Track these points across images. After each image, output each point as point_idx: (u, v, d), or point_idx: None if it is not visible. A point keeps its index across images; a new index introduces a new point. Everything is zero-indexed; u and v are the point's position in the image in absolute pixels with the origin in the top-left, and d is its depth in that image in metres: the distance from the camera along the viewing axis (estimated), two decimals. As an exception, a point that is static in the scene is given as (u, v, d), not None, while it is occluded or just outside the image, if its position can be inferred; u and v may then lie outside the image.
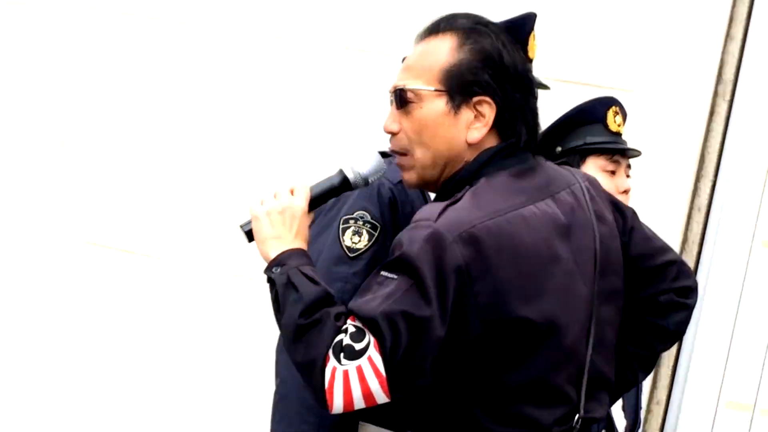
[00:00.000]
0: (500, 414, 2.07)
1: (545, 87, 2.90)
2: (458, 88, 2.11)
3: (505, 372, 2.05)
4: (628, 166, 3.17)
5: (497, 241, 2.00)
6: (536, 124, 2.20)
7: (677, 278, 2.43)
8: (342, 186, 2.27)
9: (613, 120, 3.13)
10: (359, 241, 2.43)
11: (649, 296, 2.41)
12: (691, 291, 2.46)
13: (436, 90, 2.12)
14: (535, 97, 2.19)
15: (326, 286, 2.07)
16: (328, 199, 2.29)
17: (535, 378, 2.07)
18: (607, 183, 3.01)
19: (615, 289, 2.28)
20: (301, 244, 2.16)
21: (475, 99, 2.12)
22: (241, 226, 2.24)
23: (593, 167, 3.08)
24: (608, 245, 2.25)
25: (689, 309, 2.46)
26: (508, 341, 2.03)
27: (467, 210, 2.03)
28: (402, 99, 2.16)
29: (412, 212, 2.23)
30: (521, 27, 2.72)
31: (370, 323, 1.97)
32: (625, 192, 3.11)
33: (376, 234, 2.36)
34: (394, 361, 1.96)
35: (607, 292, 2.23)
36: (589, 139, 3.09)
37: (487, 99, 2.12)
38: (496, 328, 2.01)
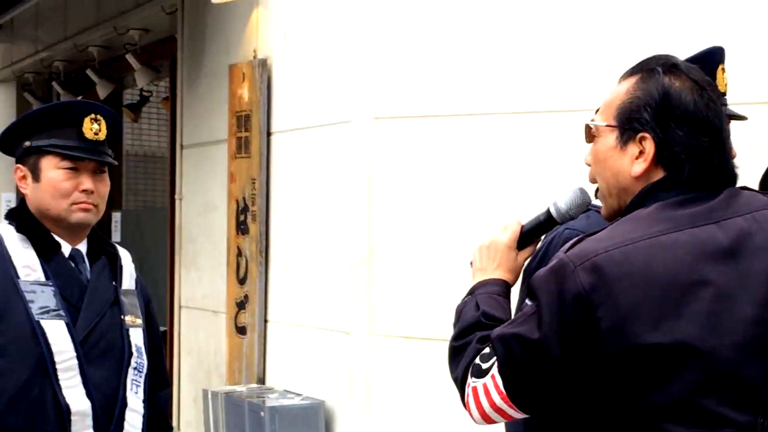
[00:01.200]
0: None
1: (741, 118, 2.92)
2: (626, 123, 2.24)
3: (644, 393, 2.11)
4: None
5: (620, 269, 2.09)
6: (714, 157, 2.23)
7: None
8: (547, 221, 2.48)
9: None
10: None
11: None
12: None
13: (608, 125, 2.27)
14: (719, 131, 2.24)
15: (489, 310, 2.31)
16: (539, 234, 2.50)
17: (679, 400, 2.11)
18: None
19: None
20: (501, 274, 2.42)
21: (639, 135, 2.23)
22: (470, 263, 2.52)
23: None
24: None
25: None
26: (640, 364, 2.09)
27: (598, 240, 2.14)
28: (587, 133, 2.35)
29: None
30: (707, 61, 2.75)
31: (492, 345, 2.19)
32: None
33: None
34: (510, 379, 2.15)
35: None
36: None
37: (648, 135, 2.22)
38: (625, 352, 2.08)
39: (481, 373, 2.21)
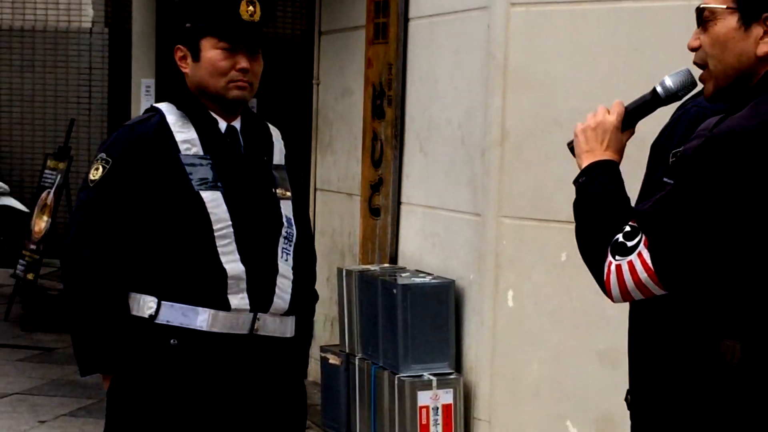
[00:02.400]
0: None
1: None
2: (748, 4, 2.26)
3: None
4: None
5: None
6: None
7: None
8: (653, 100, 2.51)
9: None
10: None
11: None
12: None
13: (728, 8, 2.28)
14: None
15: (616, 190, 2.36)
16: (642, 115, 2.53)
17: None
18: None
19: None
20: (610, 155, 2.46)
21: (765, 14, 2.25)
22: (568, 144, 2.58)
23: None
24: None
25: None
26: None
27: (743, 118, 2.20)
28: (700, 17, 2.34)
29: None
30: None
31: (640, 222, 2.25)
32: None
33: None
34: (660, 255, 2.21)
35: None
36: None
37: None
38: None
39: (625, 251, 2.26)
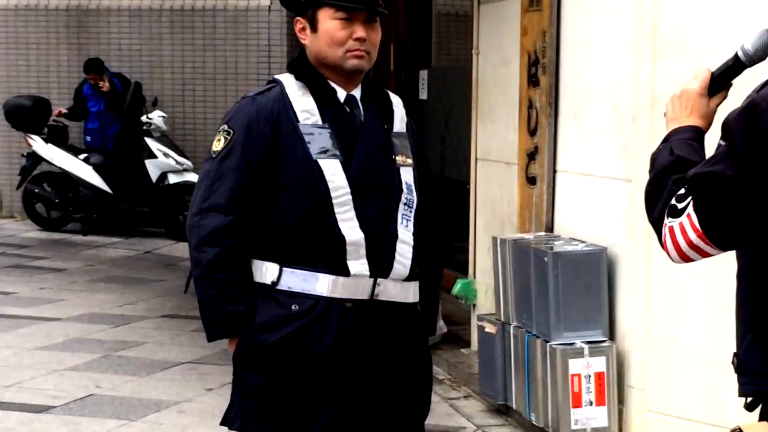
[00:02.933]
0: None
1: None
2: None
3: None
4: None
5: None
6: None
7: None
8: (736, 65, 2.52)
9: None
10: None
11: None
12: None
13: None
14: None
15: (683, 154, 2.38)
16: (728, 79, 2.55)
17: None
18: None
19: None
20: (694, 121, 2.50)
21: None
22: (664, 114, 2.63)
23: None
24: None
25: None
26: None
27: None
28: None
29: None
30: None
31: (689, 184, 2.28)
32: None
33: None
34: (706, 216, 2.25)
35: None
36: None
37: None
38: None
39: (676, 213, 2.30)
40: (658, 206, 2.37)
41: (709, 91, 2.52)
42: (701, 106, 2.50)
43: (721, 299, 5.06)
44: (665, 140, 2.49)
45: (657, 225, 2.37)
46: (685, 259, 2.34)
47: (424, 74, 9.86)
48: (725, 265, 4.96)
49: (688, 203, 2.27)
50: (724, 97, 2.54)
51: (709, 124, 2.52)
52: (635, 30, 5.37)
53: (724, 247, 2.29)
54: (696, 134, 2.47)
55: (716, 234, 2.25)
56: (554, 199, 6.15)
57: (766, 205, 2.19)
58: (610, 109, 5.62)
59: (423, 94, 9.76)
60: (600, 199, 5.74)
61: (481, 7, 7.30)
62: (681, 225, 2.28)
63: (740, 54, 2.50)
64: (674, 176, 2.36)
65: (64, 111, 12.75)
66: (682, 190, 2.30)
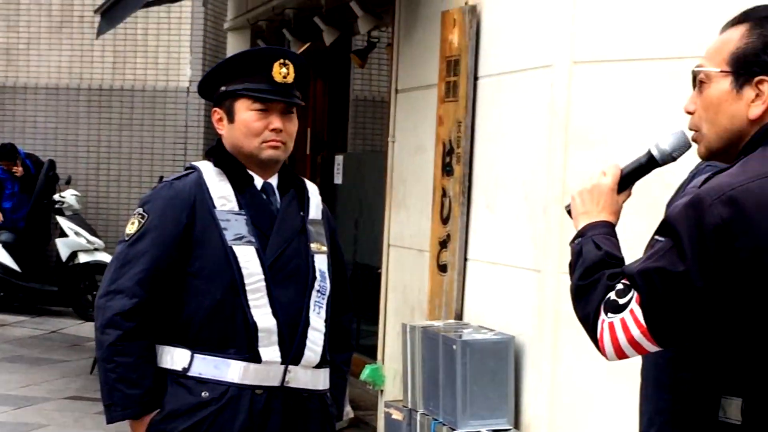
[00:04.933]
0: None
1: None
2: (741, 69, 2.32)
3: None
4: None
5: (759, 200, 2.19)
6: None
7: None
8: (648, 163, 2.53)
9: None
10: None
11: None
12: None
13: (722, 71, 2.34)
14: None
15: (610, 250, 2.38)
16: (638, 176, 2.55)
17: None
18: None
19: None
20: (606, 216, 2.48)
21: (757, 79, 2.31)
22: (565, 207, 2.63)
23: None
24: None
25: None
26: None
27: (731, 175, 2.24)
28: (695, 80, 2.41)
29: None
30: None
31: (632, 280, 2.26)
32: None
33: None
34: (652, 313, 2.23)
35: None
36: None
37: (767, 78, 2.30)
38: (761, 283, 2.19)
39: (617, 309, 2.27)
40: (592, 301, 2.34)
41: (618, 187, 2.54)
42: (612, 202, 2.51)
43: (626, 390, 5.15)
44: (581, 234, 2.48)
45: (591, 320, 2.34)
46: (621, 355, 2.31)
47: (339, 159, 9.93)
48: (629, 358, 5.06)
49: (631, 299, 2.26)
50: (629, 194, 2.57)
51: (618, 219, 2.54)
52: (548, 122, 5.49)
53: (665, 344, 2.28)
54: (612, 230, 2.48)
55: (661, 330, 2.25)
56: (464, 287, 6.21)
57: (713, 302, 2.21)
58: (522, 199, 5.72)
59: (338, 179, 9.83)
60: (509, 288, 5.81)
61: (398, 96, 7.41)
62: (623, 321, 2.27)
63: (655, 153, 2.53)
64: (607, 271, 2.34)
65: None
66: (621, 286, 2.29)
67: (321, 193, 3.68)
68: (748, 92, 2.31)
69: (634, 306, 2.25)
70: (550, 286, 5.38)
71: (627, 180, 2.54)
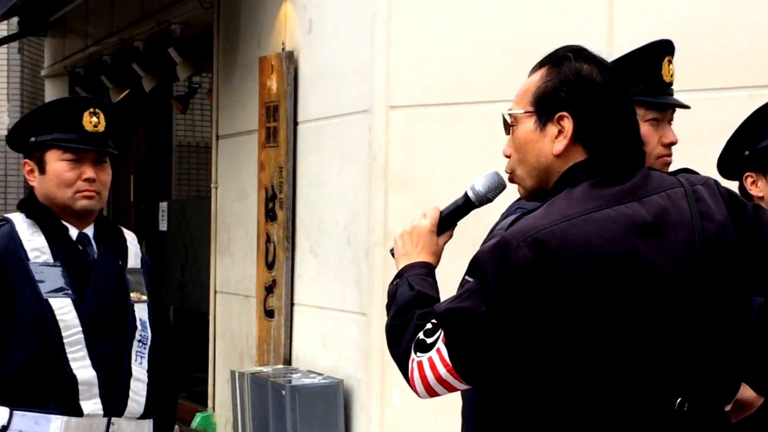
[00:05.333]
0: (594, 401, 2.27)
1: (685, 106, 3.09)
2: (543, 107, 2.37)
3: (583, 361, 2.26)
4: None
5: (562, 243, 2.23)
6: (628, 137, 2.40)
7: None
8: (465, 205, 2.56)
9: None
10: None
11: None
12: None
13: (526, 112, 2.40)
14: (629, 112, 2.41)
15: (423, 290, 2.41)
16: (457, 218, 2.57)
17: (619, 365, 2.26)
18: None
19: (727, 280, 2.40)
20: (425, 257, 2.51)
21: (557, 115, 2.35)
22: (390, 250, 2.63)
23: None
24: (715, 240, 2.38)
25: None
26: (581, 333, 2.24)
27: (536, 218, 2.28)
28: (505, 124, 2.47)
29: None
30: (651, 53, 3.05)
31: (438, 319, 2.29)
32: None
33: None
34: (456, 351, 2.26)
35: (715, 284, 2.36)
36: None
37: (565, 114, 2.35)
38: (568, 323, 2.23)
39: (425, 348, 2.30)
40: (403, 341, 2.37)
41: (438, 229, 2.57)
42: (431, 244, 2.54)
43: (454, 428, 5.23)
44: (399, 275, 2.51)
45: (403, 360, 2.37)
46: (432, 393, 2.34)
47: (164, 205, 9.83)
48: (455, 396, 5.14)
49: (438, 338, 2.29)
50: (450, 236, 2.60)
51: (438, 260, 2.57)
52: (368, 167, 5.57)
53: (472, 382, 2.32)
54: (430, 270, 2.51)
55: (466, 369, 2.28)
56: (292, 332, 6.23)
57: (517, 343, 2.25)
58: (345, 243, 5.77)
59: (163, 226, 9.72)
60: (336, 331, 5.84)
61: (219, 141, 7.41)
62: (430, 359, 2.29)
63: (470, 194, 2.55)
64: (418, 311, 2.38)
65: None
66: (429, 325, 2.32)
67: (146, 241, 3.66)
68: (552, 129, 2.36)
69: (441, 345, 2.28)
70: (376, 328, 5.43)
71: (446, 221, 2.57)
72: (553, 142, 2.36)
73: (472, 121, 5.26)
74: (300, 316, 6.20)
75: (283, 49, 6.42)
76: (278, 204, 6.32)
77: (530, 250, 2.22)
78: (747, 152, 3.21)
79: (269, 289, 6.37)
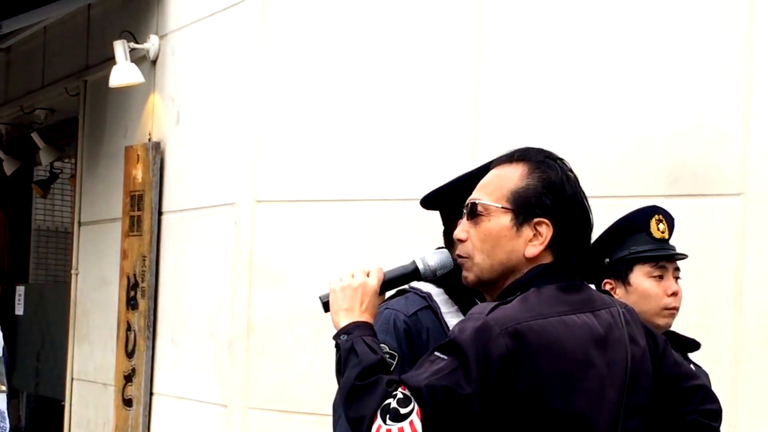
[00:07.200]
0: None
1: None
2: (522, 208, 2.42)
3: None
4: (677, 269, 3.36)
5: (539, 339, 2.31)
6: (588, 251, 2.51)
7: (704, 401, 2.72)
8: (413, 274, 2.61)
9: (656, 228, 3.33)
10: None
11: (677, 416, 2.69)
12: (717, 415, 2.75)
13: (503, 207, 2.44)
14: (590, 228, 2.51)
15: (383, 356, 2.41)
16: (400, 284, 2.62)
17: None
18: (655, 288, 3.28)
19: (642, 404, 2.53)
20: (368, 318, 2.50)
21: (536, 220, 2.42)
22: (320, 297, 2.60)
23: (640, 274, 3.29)
24: (639, 365, 2.51)
25: (714, 431, 2.75)
26: (544, 428, 2.33)
27: (516, 310, 2.34)
28: (473, 211, 2.48)
29: (428, 339, 2.70)
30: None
31: (416, 392, 2.30)
32: (674, 294, 3.31)
33: (395, 363, 2.55)
34: (433, 428, 2.28)
35: (634, 406, 2.49)
36: (634, 249, 3.31)
37: (546, 221, 2.42)
38: (532, 415, 2.32)
39: (398, 418, 2.29)
40: (369, 404, 2.34)
41: (380, 290, 2.58)
42: (375, 304, 2.55)
43: None
44: (347, 332, 2.47)
45: (366, 423, 2.33)
46: None
47: (21, 289, 9.69)
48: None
49: (412, 410, 2.30)
50: (383, 300, 2.63)
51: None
52: (232, 259, 5.63)
53: None
54: (375, 332, 2.51)
55: None
56: (150, 422, 6.20)
57: (490, 426, 2.31)
58: (208, 335, 5.80)
59: (19, 310, 9.58)
60: (196, 423, 5.84)
61: (81, 228, 7.38)
62: (401, 430, 2.30)
63: (420, 266, 2.60)
64: (385, 377, 2.37)
65: None
66: (401, 395, 2.32)
67: (1, 324, 3.65)
68: (527, 231, 2.42)
69: (415, 418, 2.29)
70: (237, 420, 5.46)
71: (389, 285, 2.60)
72: (527, 244, 2.43)
73: (335, 217, 5.37)
74: (159, 406, 6.18)
75: (149, 139, 6.47)
76: (140, 292, 6.33)
77: (510, 340, 2.30)
78: (607, 260, 3.35)
79: (128, 377, 6.34)
